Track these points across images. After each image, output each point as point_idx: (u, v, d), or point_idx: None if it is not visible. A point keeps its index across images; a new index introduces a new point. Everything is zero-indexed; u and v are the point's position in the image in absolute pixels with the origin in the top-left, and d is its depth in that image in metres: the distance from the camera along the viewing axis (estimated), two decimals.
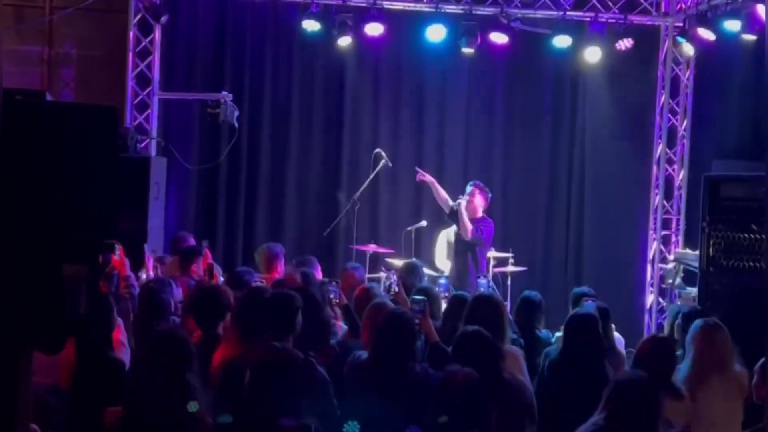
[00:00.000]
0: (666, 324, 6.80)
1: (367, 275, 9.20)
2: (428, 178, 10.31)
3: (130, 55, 10.73)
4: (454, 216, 10.02)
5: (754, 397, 4.36)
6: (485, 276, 8.32)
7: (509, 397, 4.74)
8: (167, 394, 4.15)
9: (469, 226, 9.78)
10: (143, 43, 10.78)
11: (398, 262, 9.64)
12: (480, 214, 10.02)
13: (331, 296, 6.61)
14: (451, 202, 10.14)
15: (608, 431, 4.06)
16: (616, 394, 4.14)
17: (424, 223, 10.80)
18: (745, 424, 4.92)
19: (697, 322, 5.50)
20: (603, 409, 4.16)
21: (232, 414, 4.24)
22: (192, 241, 8.72)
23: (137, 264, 7.28)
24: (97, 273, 2.76)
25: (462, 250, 9.97)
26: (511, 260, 10.54)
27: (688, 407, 4.92)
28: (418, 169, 10.42)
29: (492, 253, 10.49)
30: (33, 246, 2.60)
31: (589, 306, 6.59)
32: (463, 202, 9.85)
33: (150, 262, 7.60)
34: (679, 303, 9.88)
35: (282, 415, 4.14)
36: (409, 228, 10.66)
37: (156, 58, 10.83)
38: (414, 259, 8.66)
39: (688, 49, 10.87)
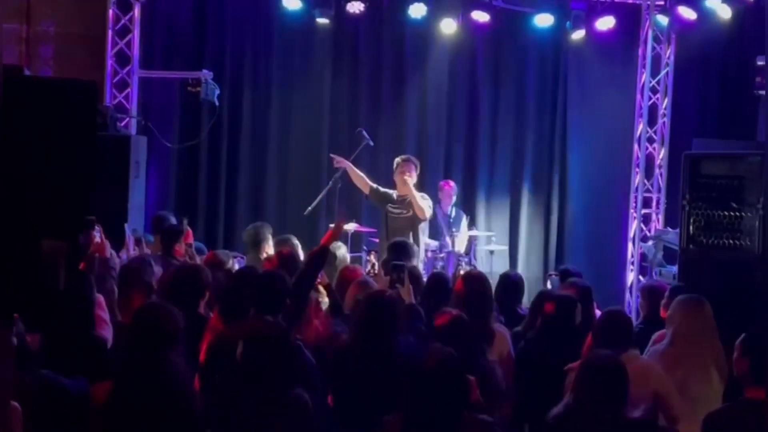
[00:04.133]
0: (641, 302, 6.81)
1: (349, 254, 9.16)
2: (344, 163, 9.60)
3: (110, 33, 10.64)
4: (376, 196, 9.51)
5: (735, 371, 4.38)
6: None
7: (482, 381, 4.74)
8: (152, 370, 4.14)
9: (423, 205, 9.14)
10: (123, 21, 10.70)
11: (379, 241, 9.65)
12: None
13: None
14: (369, 182, 9.55)
15: (577, 412, 4.06)
16: (585, 375, 4.15)
17: None
18: (726, 398, 4.95)
19: (680, 297, 5.50)
20: (572, 390, 4.16)
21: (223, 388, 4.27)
22: (173, 220, 8.67)
23: (117, 243, 7.24)
24: (76, 249, 2.74)
25: (401, 227, 9.20)
26: (492, 239, 10.57)
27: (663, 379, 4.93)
28: (333, 156, 9.75)
29: (474, 232, 10.51)
30: (11, 221, 2.58)
31: (553, 281, 6.62)
32: (409, 180, 9.18)
33: (130, 241, 7.56)
34: (651, 280, 9.93)
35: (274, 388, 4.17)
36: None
37: (135, 36, 10.75)
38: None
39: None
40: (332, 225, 6.19)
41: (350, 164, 9.65)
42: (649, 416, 4.18)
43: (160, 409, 4.10)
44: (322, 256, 5.72)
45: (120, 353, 4.67)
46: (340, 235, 6.27)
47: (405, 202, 9.28)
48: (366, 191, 9.61)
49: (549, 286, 6.59)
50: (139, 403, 4.10)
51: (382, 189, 9.53)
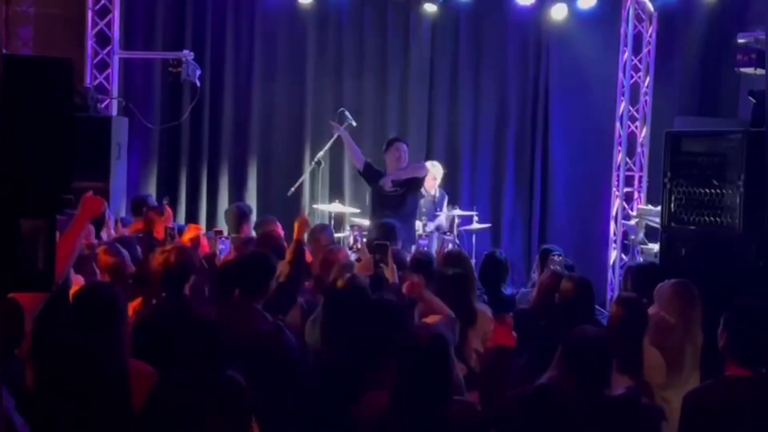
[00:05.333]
0: (622, 282, 6.83)
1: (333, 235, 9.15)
2: (336, 128, 9.68)
3: (89, 13, 10.57)
4: (369, 171, 9.57)
5: (719, 344, 4.38)
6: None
7: None
8: (80, 352, 4.05)
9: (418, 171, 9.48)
10: (102, 1, 10.61)
11: (363, 222, 9.64)
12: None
13: None
14: (363, 157, 9.67)
15: (561, 386, 4.05)
16: (570, 349, 4.13)
17: None
18: (708, 370, 4.97)
19: (673, 282, 5.49)
20: (557, 364, 4.15)
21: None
22: (152, 201, 8.65)
23: (98, 224, 7.21)
24: (54, 228, 2.72)
25: (390, 206, 9.23)
26: (475, 218, 10.58)
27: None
28: (332, 123, 9.83)
29: (457, 211, 10.50)
30: None
31: (555, 262, 6.60)
32: (401, 160, 9.36)
33: (111, 221, 7.54)
34: (640, 260, 9.98)
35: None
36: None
37: (115, 16, 10.67)
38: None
39: None
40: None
41: (345, 132, 9.67)
42: (632, 394, 4.17)
43: (86, 392, 4.00)
44: (300, 252, 5.90)
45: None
46: (306, 227, 6.34)
47: (396, 182, 9.32)
48: (359, 166, 9.62)
49: (545, 268, 6.56)
50: (64, 386, 4.01)
51: (375, 166, 9.58)
